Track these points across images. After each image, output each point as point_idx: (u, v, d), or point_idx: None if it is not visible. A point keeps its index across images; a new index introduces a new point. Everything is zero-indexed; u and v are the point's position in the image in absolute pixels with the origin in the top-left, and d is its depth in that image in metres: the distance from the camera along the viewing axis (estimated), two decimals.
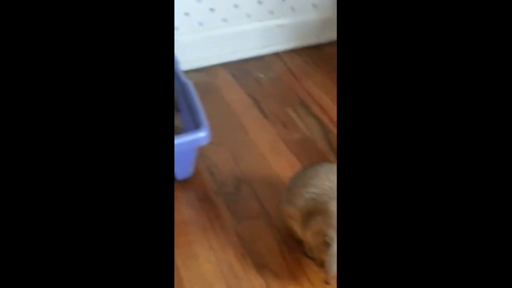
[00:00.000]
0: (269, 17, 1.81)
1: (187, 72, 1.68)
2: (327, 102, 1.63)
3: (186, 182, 1.31)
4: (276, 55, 1.89)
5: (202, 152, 1.38)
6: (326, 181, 1.05)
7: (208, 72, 1.76)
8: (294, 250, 1.13)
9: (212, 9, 1.71)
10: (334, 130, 1.51)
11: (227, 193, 1.28)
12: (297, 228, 1.09)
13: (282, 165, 1.37)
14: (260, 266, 1.10)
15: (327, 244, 0.97)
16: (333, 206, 1.00)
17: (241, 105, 1.62)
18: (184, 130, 1.30)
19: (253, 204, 1.25)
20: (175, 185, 1.29)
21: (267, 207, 1.24)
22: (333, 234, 0.97)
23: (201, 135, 1.18)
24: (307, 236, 1.06)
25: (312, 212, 1.04)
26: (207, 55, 1.78)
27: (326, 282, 1.00)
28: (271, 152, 1.42)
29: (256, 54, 1.87)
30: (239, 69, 1.80)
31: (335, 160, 1.38)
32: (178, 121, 1.38)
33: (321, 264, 1.01)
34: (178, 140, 1.14)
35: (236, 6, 1.74)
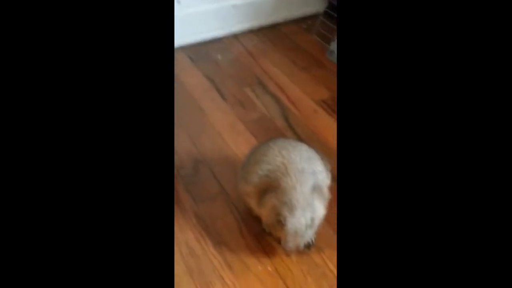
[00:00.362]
0: None
1: None
2: (284, 81, 1.64)
3: None
4: (234, 36, 1.88)
5: None
6: (278, 157, 1.05)
7: None
8: (252, 227, 1.14)
9: None
10: (291, 107, 1.52)
11: (185, 176, 1.28)
12: (253, 205, 1.10)
13: (241, 144, 1.38)
14: (219, 245, 1.10)
15: (280, 222, 0.99)
16: (285, 182, 1.01)
17: (200, 88, 1.61)
18: None
19: (212, 184, 1.26)
20: None
21: (225, 187, 1.25)
22: (285, 212, 0.98)
23: None
24: (263, 213, 1.07)
25: (266, 189, 1.05)
26: None
27: (287, 254, 1.02)
28: (230, 133, 1.43)
29: (213, 36, 1.86)
30: (197, 51, 1.79)
31: (293, 137, 1.39)
32: None
33: (278, 241, 1.03)
34: None
35: None
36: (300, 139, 1.37)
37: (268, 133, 1.41)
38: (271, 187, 1.03)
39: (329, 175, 1.12)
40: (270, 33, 1.89)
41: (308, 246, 1.08)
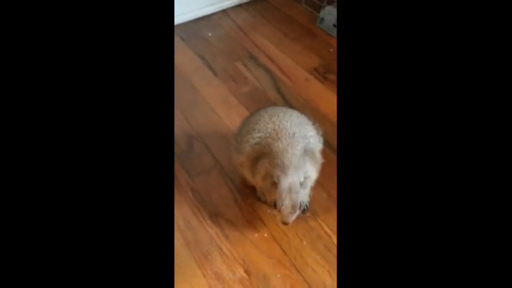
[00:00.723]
0: None
1: None
2: (275, 52, 1.63)
3: None
4: (223, 12, 1.87)
5: None
6: (269, 124, 1.05)
7: None
8: (247, 197, 1.15)
9: None
10: (282, 77, 1.52)
11: (180, 152, 1.29)
12: (247, 174, 1.11)
13: (234, 118, 1.38)
14: (215, 216, 1.11)
15: (274, 184, 0.99)
16: (276, 147, 1.01)
17: (191, 66, 1.61)
18: None
19: (206, 158, 1.27)
20: None
21: (219, 159, 1.26)
22: (278, 172, 0.97)
23: None
24: (257, 181, 1.07)
25: (258, 157, 1.05)
26: None
27: (284, 223, 1.01)
28: (222, 107, 1.43)
29: (203, 13, 1.85)
30: (187, 30, 1.79)
31: (285, 106, 1.39)
32: None
33: (274, 206, 1.03)
34: None
35: None
36: (292, 107, 1.37)
37: (260, 105, 1.40)
38: (263, 154, 1.03)
39: (321, 140, 1.12)
40: (259, 6, 1.88)
41: (303, 210, 1.08)
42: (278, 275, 0.99)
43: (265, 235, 1.06)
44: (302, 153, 1.01)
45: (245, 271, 1.00)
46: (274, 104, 1.41)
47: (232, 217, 1.11)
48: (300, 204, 0.99)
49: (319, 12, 1.75)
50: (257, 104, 1.41)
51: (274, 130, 1.04)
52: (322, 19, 1.73)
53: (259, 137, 1.05)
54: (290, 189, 0.96)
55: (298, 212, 0.98)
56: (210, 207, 1.14)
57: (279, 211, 0.98)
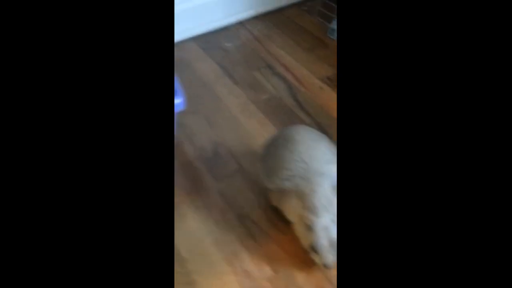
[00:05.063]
0: None
1: None
2: (290, 61, 1.65)
3: None
4: (240, 23, 1.88)
5: (181, 122, 1.40)
6: (299, 163, 1.04)
7: (179, 47, 1.76)
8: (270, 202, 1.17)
9: None
10: (298, 85, 1.54)
11: (206, 157, 1.31)
12: (273, 198, 1.12)
13: (254, 124, 1.40)
14: (242, 217, 1.14)
15: (309, 228, 0.98)
16: (306, 188, 1.01)
17: (213, 75, 1.63)
18: None
19: (231, 163, 1.29)
20: None
21: (243, 164, 1.28)
22: (311, 217, 0.97)
23: (177, 101, 1.20)
24: (282, 207, 1.09)
25: (287, 193, 1.05)
26: (175, 31, 1.76)
27: (325, 265, 0.98)
28: (243, 114, 1.45)
29: (222, 25, 1.86)
30: (208, 41, 1.80)
31: (301, 114, 1.41)
32: None
33: (312, 249, 0.99)
34: None
35: None
36: (308, 114, 1.40)
37: (278, 111, 1.44)
38: (292, 192, 1.03)
39: None
40: (274, 18, 1.89)
41: None
42: (304, 273, 1.01)
43: (289, 236, 1.08)
44: (331, 191, 1.00)
45: (272, 270, 1.02)
46: (291, 110, 1.44)
47: (257, 218, 1.13)
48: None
49: (330, 23, 1.76)
50: (275, 111, 1.44)
51: (303, 169, 1.03)
52: (333, 30, 1.74)
53: (289, 175, 1.04)
54: (326, 228, 0.96)
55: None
56: (236, 209, 1.16)
57: (318, 253, 0.97)
